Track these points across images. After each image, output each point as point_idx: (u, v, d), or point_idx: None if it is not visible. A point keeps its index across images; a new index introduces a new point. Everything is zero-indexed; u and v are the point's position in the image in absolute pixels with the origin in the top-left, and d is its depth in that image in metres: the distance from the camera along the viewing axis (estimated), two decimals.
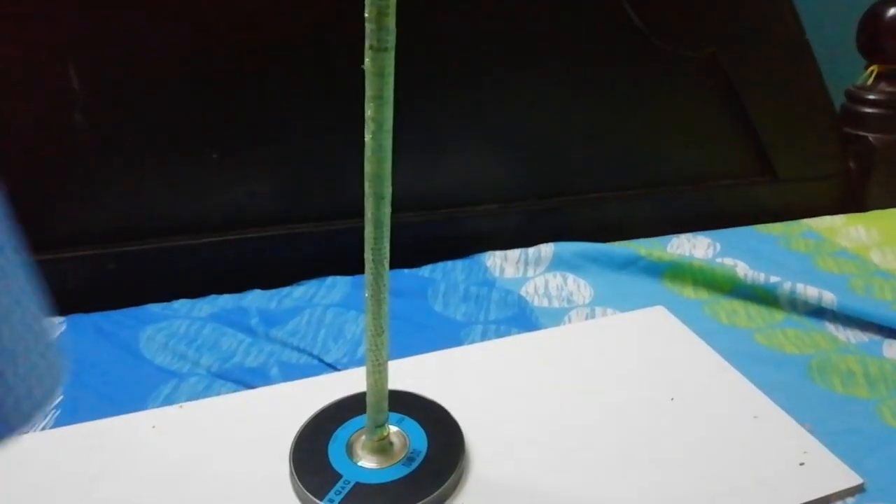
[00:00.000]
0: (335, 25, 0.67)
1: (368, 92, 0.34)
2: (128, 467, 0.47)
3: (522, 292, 0.72)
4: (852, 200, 0.96)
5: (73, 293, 0.67)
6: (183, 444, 0.49)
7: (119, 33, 0.63)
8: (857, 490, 0.46)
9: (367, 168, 0.36)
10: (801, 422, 0.52)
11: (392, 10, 0.32)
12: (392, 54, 0.33)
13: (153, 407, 0.53)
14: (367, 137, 0.35)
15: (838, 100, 0.94)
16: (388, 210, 0.38)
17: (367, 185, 0.37)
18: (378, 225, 0.38)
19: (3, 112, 0.62)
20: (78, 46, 0.62)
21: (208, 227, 0.71)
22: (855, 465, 0.47)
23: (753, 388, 0.56)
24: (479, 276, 0.75)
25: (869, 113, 0.92)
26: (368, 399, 0.44)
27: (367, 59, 0.33)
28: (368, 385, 0.43)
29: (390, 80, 0.34)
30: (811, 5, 0.88)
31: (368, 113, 0.34)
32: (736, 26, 0.83)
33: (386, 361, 0.43)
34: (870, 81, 0.92)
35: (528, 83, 0.78)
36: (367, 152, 0.35)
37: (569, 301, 0.71)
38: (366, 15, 0.32)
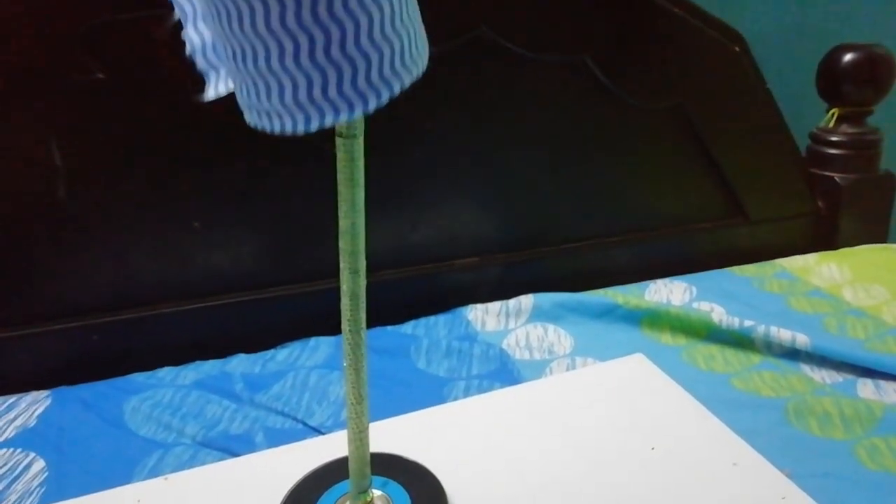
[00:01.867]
0: None
1: (340, 175, 0.35)
2: None
3: (504, 345, 0.73)
4: (823, 238, 0.98)
5: (58, 366, 0.68)
6: None
7: (100, 111, 0.65)
8: None
9: (342, 245, 0.37)
10: (779, 467, 0.52)
11: None
12: (361, 140, 0.35)
13: (138, 479, 0.53)
14: (341, 217, 0.37)
15: (803, 142, 0.98)
16: (363, 283, 0.39)
17: (342, 261, 0.38)
18: (354, 297, 0.39)
19: None
20: (60, 125, 0.64)
21: (191, 294, 0.72)
22: None
23: (732, 434, 0.57)
24: (461, 331, 0.76)
25: (833, 154, 0.96)
26: (351, 466, 0.44)
27: (337, 146, 0.35)
28: (350, 452, 0.44)
29: (360, 164, 0.35)
30: (771, 53, 0.92)
31: (341, 195, 0.36)
32: (697, 79, 0.86)
33: (366, 428, 0.43)
34: (831, 124, 0.96)
35: (502, 138, 0.80)
36: (341, 230, 0.37)
37: (549, 352, 0.72)
38: None
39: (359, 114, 0.30)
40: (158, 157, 0.68)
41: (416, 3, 0.34)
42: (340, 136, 0.34)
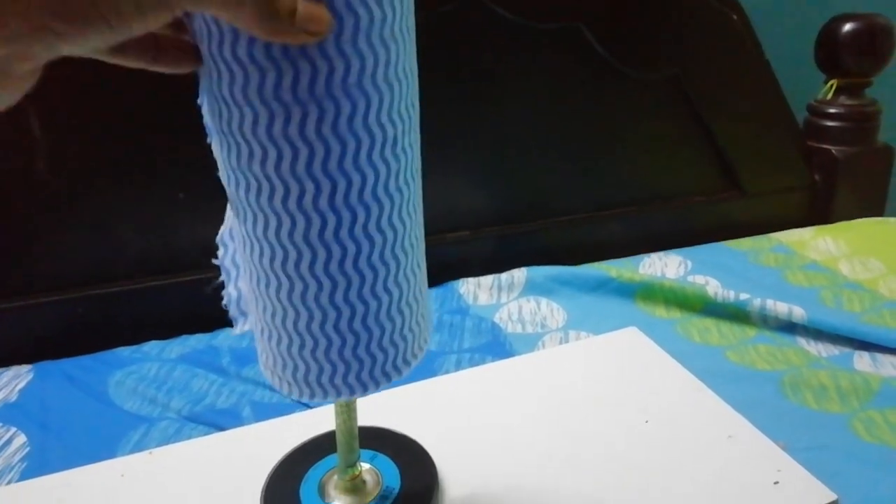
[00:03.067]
0: None
1: None
2: None
3: (496, 319, 0.72)
4: (819, 212, 0.97)
5: (41, 340, 0.66)
6: (152, 492, 0.48)
7: (79, 79, 0.62)
8: None
9: None
10: (774, 439, 0.52)
11: None
12: None
13: (122, 454, 0.52)
14: None
15: (800, 114, 0.96)
16: None
17: None
18: None
19: None
20: (38, 94, 0.61)
21: (178, 267, 0.71)
22: (829, 482, 0.47)
23: (727, 407, 0.56)
24: (453, 304, 0.75)
25: (830, 126, 0.94)
26: (339, 439, 0.43)
27: None
28: (338, 426, 0.43)
29: None
30: (769, 23, 0.90)
31: None
32: (696, 49, 0.84)
33: (355, 402, 0.42)
34: (829, 95, 0.94)
35: (495, 109, 0.79)
36: None
37: (542, 326, 0.71)
38: None
39: (357, 397, 0.36)
40: (141, 126, 0.66)
41: (429, 304, 0.38)
42: None
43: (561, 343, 0.68)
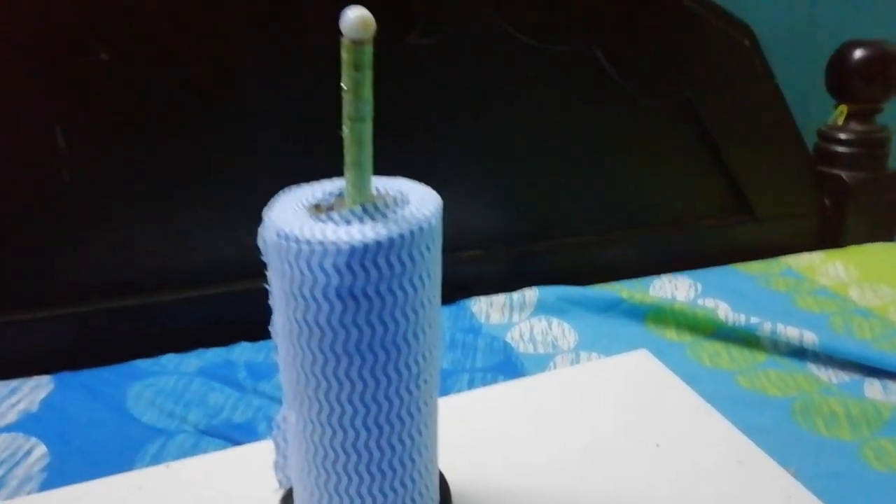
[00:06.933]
0: (310, 72, 0.68)
1: (347, 159, 0.35)
2: None
3: (508, 338, 0.73)
4: (829, 237, 0.98)
5: (61, 350, 0.67)
6: None
7: (105, 93, 0.64)
8: None
9: None
10: (785, 466, 0.52)
11: (368, 82, 0.33)
12: (369, 124, 0.34)
13: (140, 466, 0.53)
14: (348, 201, 0.36)
15: (811, 139, 0.97)
16: None
17: None
18: None
19: None
20: (64, 109, 0.63)
21: (197, 281, 0.72)
22: None
23: (737, 432, 0.56)
24: (465, 323, 0.76)
25: (841, 152, 0.95)
26: None
27: (344, 128, 0.34)
28: None
29: (368, 148, 0.35)
30: (780, 48, 0.91)
31: (348, 178, 0.35)
32: (706, 73, 0.85)
33: None
34: (840, 121, 0.95)
35: (508, 130, 0.80)
36: None
37: (553, 346, 0.71)
38: (342, 87, 0.33)
39: None
40: (164, 140, 0.67)
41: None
42: (349, 118, 0.33)
43: (572, 364, 0.68)
